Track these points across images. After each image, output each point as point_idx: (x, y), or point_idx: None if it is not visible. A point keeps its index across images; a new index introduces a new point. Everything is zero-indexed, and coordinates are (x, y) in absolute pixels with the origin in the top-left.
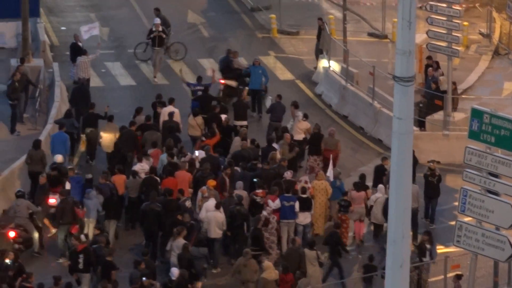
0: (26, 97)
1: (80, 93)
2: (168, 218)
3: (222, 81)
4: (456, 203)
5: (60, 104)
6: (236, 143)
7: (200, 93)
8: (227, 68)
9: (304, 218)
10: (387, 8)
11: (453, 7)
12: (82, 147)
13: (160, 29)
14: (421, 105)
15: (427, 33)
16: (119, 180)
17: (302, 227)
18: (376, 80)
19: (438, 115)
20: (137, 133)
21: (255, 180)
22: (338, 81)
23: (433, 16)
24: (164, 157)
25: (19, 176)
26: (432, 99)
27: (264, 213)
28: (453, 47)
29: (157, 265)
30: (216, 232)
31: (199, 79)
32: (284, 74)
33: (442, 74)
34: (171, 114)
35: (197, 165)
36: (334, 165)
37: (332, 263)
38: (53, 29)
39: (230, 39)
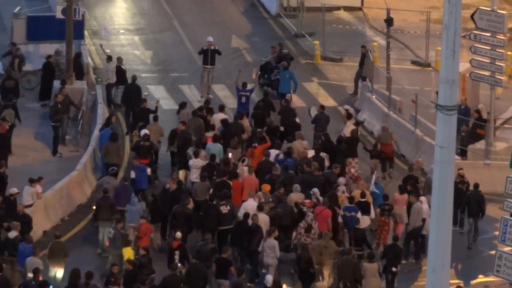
0: (68, 118)
1: (132, 90)
2: (210, 222)
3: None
4: (497, 233)
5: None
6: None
7: (244, 98)
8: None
9: (363, 222)
10: (431, 36)
11: (497, 36)
12: (135, 140)
13: (213, 47)
14: (463, 133)
15: (470, 62)
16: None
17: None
18: (419, 108)
19: (480, 144)
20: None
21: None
22: (380, 109)
23: (476, 45)
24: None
25: (61, 197)
26: (474, 128)
27: (307, 219)
28: (496, 76)
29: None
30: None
31: (244, 85)
32: (326, 100)
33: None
34: (225, 121)
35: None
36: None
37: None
38: (96, 52)
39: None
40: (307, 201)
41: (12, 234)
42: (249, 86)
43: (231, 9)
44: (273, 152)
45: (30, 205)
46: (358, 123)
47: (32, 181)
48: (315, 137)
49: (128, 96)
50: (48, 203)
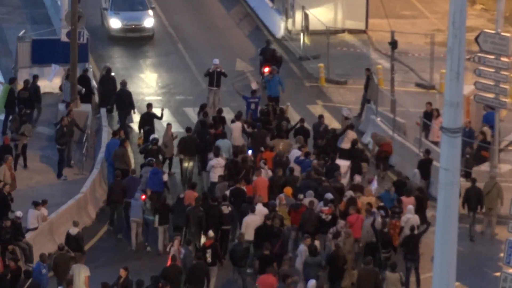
0: (73, 142)
1: (124, 95)
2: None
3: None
4: (502, 254)
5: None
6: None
7: (253, 105)
8: (272, 57)
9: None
10: (435, 59)
11: (501, 59)
12: (139, 142)
13: (219, 70)
14: (467, 156)
15: (474, 84)
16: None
17: None
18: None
19: (485, 166)
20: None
21: (326, 197)
22: (385, 131)
23: (481, 67)
24: None
25: (65, 220)
26: (479, 150)
27: (338, 226)
28: (501, 98)
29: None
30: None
31: (253, 92)
32: (331, 122)
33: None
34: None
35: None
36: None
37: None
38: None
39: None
40: (326, 208)
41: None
42: (257, 92)
43: (236, 32)
44: (294, 153)
45: (35, 228)
46: (353, 126)
47: (36, 204)
48: (315, 146)
49: (121, 101)
50: (53, 226)
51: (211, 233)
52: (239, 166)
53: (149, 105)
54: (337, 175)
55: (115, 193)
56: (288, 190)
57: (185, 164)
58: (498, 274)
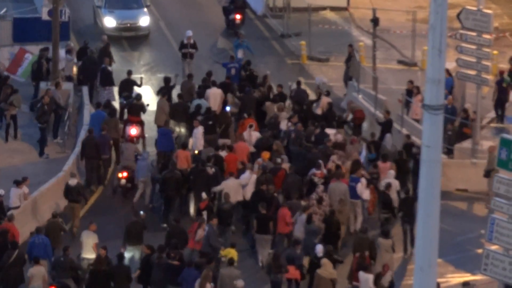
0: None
1: (89, 63)
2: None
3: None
4: (483, 231)
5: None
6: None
7: (233, 70)
8: (243, 4)
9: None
10: (417, 36)
11: (483, 36)
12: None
13: (192, 41)
14: (449, 132)
15: (456, 61)
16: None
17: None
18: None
19: (467, 143)
20: None
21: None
22: (367, 108)
23: (463, 44)
24: None
25: (48, 198)
26: (461, 127)
27: (318, 190)
28: (483, 75)
29: None
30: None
31: (232, 58)
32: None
33: (422, 100)
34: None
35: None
36: (360, 132)
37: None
38: None
39: (259, 65)
40: (318, 171)
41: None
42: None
43: (217, 10)
44: (285, 127)
45: (18, 207)
46: (328, 93)
47: (18, 183)
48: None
49: (86, 69)
50: (36, 204)
51: (204, 195)
52: (215, 122)
53: (129, 72)
54: (326, 141)
55: (89, 148)
56: (266, 154)
57: (177, 129)
58: (480, 251)
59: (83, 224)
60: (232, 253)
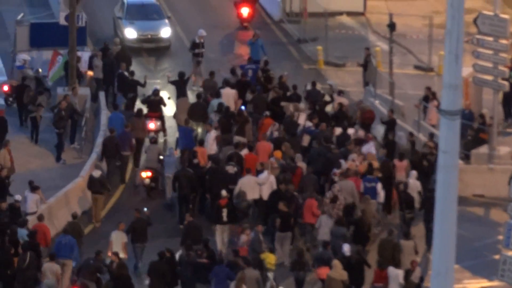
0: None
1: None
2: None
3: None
4: (501, 237)
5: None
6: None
7: (250, 72)
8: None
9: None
10: (434, 41)
11: (500, 41)
12: None
13: (203, 40)
14: (469, 137)
15: (473, 66)
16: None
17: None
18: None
19: (484, 149)
20: None
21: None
22: (383, 114)
23: (479, 50)
24: None
25: (65, 203)
26: (478, 133)
27: (334, 189)
28: (499, 81)
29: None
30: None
31: (249, 59)
32: (329, 105)
33: (437, 105)
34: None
35: None
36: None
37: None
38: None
39: (276, 70)
40: (339, 171)
41: None
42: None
43: (234, 15)
44: (303, 122)
45: (34, 212)
46: (341, 92)
47: (34, 188)
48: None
49: (104, 73)
50: (52, 209)
51: (224, 192)
52: (231, 121)
53: (132, 73)
54: (348, 144)
55: (109, 148)
56: (278, 153)
57: (194, 128)
58: (497, 257)
59: (108, 225)
60: (270, 257)
